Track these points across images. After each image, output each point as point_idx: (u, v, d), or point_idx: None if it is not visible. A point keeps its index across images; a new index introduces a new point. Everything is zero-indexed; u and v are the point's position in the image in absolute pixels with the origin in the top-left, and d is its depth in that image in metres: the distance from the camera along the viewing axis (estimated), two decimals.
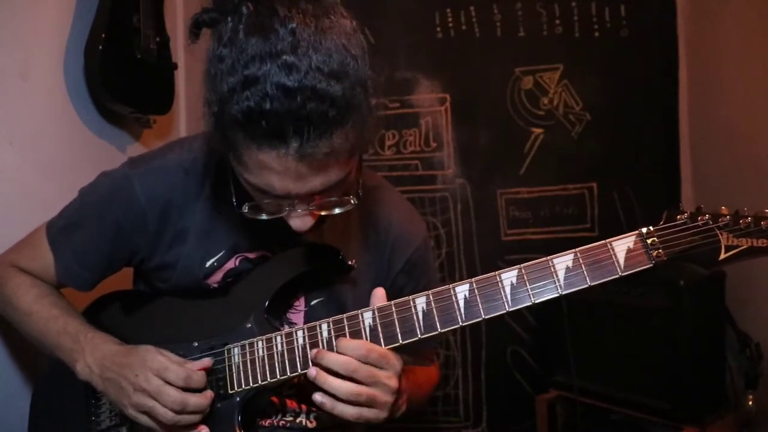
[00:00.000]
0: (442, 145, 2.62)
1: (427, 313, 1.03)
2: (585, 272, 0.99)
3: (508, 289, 1.01)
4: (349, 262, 1.19)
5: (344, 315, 1.07)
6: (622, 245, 1.00)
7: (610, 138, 2.58)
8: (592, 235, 2.57)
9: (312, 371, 1.02)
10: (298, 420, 1.26)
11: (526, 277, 1.01)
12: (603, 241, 1.00)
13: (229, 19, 0.92)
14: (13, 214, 1.47)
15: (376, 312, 1.05)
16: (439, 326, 1.02)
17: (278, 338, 1.10)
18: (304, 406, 1.26)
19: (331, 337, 1.06)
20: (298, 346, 1.08)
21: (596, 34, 2.57)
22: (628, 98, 2.57)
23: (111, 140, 1.90)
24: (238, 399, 1.12)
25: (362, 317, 1.06)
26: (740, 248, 0.96)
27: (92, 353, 1.14)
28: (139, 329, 1.21)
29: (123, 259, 1.26)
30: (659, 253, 0.98)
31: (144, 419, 1.09)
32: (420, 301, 1.04)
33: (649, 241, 0.98)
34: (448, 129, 2.62)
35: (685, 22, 2.54)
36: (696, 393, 1.99)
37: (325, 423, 1.25)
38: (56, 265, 1.24)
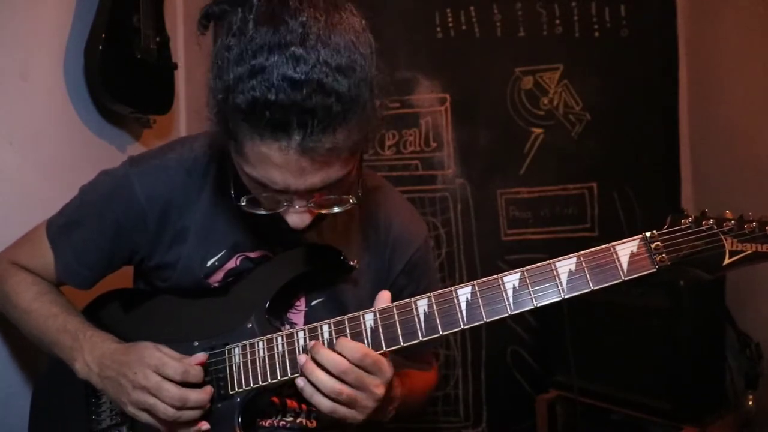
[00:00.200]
0: (442, 145, 2.62)
1: (428, 316, 1.02)
2: (588, 276, 0.98)
3: (510, 292, 1.00)
4: (351, 263, 1.19)
5: (345, 316, 1.06)
6: (625, 249, 0.98)
7: (610, 138, 2.58)
8: (592, 235, 2.57)
9: (302, 358, 1.03)
10: (298, 420, 1.26)
11: (528, 281, 1.00)
12: (606, 245, 0.99)
13: (240, 10, 0.92)
14: (13, 214, 1.47)
15: (377, 314, 1.05)
16: (440, 329, 1.02)
17: (279, 339, 1.10)
18: (304, 406, 1.26)
19: (332, 338, 1.05)
20: (299, 347, 1.08)
21: (596, 34, 2.57)
22: (628, 98, 2.57)
23: (111, 140, 1.90)
24: (238, 399, 1.12)
25: (363, 319, 1.05)
26: (744, 253, 0.95)
27: (91, 352, 1.14)
28: (139, 328, 1.20)
29: (123, 257, 1.26)
30: (663, 257, 0.97)
31: (144, 417, 1.08)
32: (422, 304, 1.03)
33: (653, 245, 0.97)
34: (448, 129, 2.62)
35: (685, 22, 2.55)
36: (696, 393, 1.99)
37: (325, 423, 1.24)
38: (56, 263, 1.24)
